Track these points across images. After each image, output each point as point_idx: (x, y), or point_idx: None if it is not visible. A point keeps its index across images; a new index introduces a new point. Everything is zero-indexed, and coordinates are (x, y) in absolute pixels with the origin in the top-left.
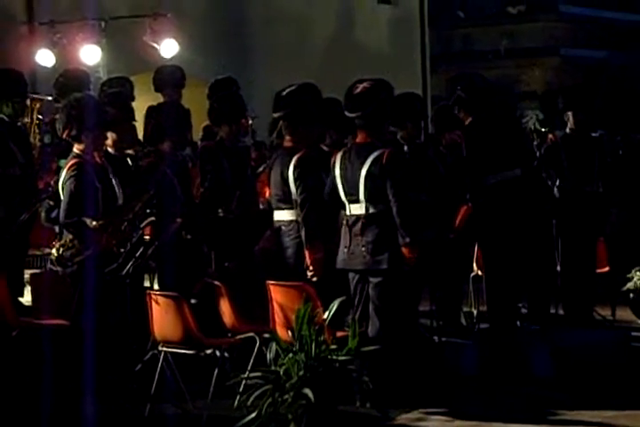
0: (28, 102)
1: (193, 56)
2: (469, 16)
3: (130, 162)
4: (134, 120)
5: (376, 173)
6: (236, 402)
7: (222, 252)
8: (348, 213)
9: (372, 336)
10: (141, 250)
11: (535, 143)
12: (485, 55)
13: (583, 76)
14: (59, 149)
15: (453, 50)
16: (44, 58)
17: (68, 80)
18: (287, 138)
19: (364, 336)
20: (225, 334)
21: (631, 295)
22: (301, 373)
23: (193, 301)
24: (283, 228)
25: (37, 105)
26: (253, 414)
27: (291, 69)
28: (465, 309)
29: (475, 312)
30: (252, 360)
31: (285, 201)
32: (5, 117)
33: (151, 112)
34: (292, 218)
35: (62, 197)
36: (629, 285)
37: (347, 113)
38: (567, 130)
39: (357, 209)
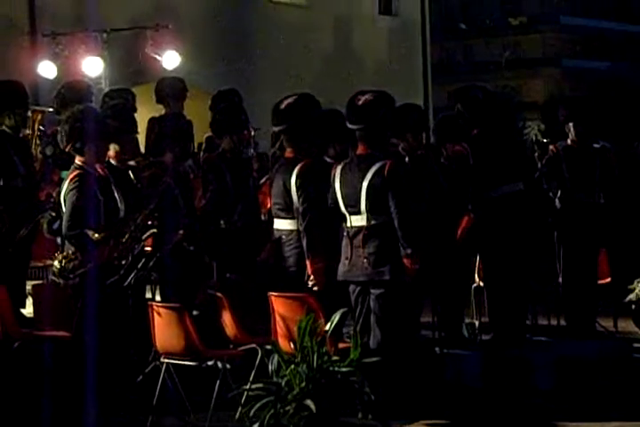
0: (30, 114)
1: (194, 67)
2: (471, 27)
3: (132, 173)
4: (137, 132)
5: (378, 184)
6: (238, 414)
7: (224, 263)
8: (348, 224)
9: (373, 348)
10: (143, 261)
11: (536, 154)
12: (487, 66)
13: (584, 86)
14: (60, 160)
15: (455, 61)
16: (46, 69)
17: (70, 92)
18: (289, 150)
19: (366, 348)
20: (227, 346)
21: (633, 306)
22: (303, 384)
23: (195, 312)
24: (283, 237)
25: (39, 117)
26: (255, 426)
27: (292, 80)
28: (467, 320)
29: (476, 323)
30: (253, 372)
31: (286, 210)
32: (7, 129)
33: (153, 123)
34: (293, 228)
35: (64, 209)
36: (631, 296)
37: (349, 125)
38: (568, 141)
39: (358, 221)
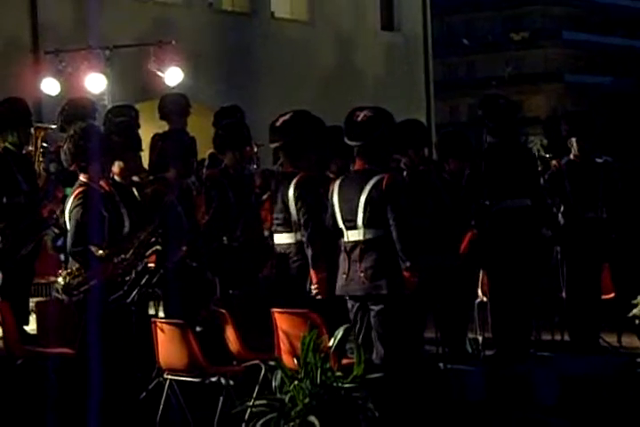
0: (33, 131)
1: (197, 84)
2: (473, 43)
3: (135, 190)
4: (141, 149)
5: (376, 197)
6: None
7: (227, 279)
8: (345, 239)
9: (376, 364)
10: (146, 278)
11: (539, 169)
12: (489, 82)
13: (587, 101)
14: (64, 177)
15: (457, 76)
16: (50, 86)
17: (74, 109)
18: (286, 165)
19: (369, 363)
20: (230, 362)
21: (637, 322)
22: (307, 400)
23: (198, 328)
24: (282, 251)
25: (42, 133)
26: None
27: (294, 96)
28: (470, 335)
29: (480, 339)
30: (257, 388)
31: (284, 225)
32: (10, 146)
33: (156, 140)
34: (291, 241)
35: (69, 226)
36: (635, 311)
37: (347, 141)
38: (571, 156)
39: (355, 235)
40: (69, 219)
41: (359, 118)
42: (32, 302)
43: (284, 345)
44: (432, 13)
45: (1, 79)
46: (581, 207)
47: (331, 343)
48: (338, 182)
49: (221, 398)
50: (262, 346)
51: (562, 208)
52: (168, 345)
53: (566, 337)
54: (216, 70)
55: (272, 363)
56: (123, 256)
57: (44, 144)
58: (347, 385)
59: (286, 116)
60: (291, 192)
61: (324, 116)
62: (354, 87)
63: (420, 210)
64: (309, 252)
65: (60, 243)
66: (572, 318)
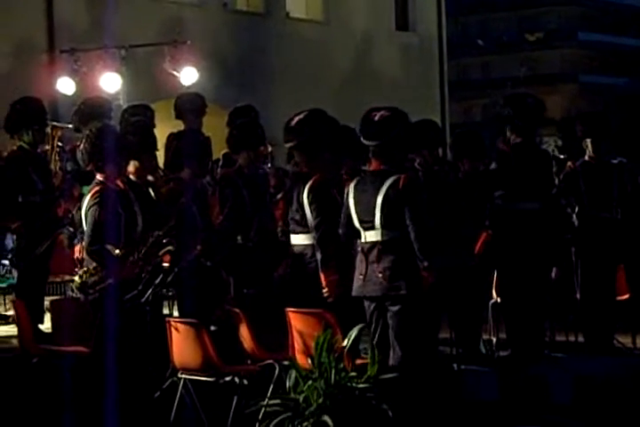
0: (49, 130)
1: (212, 83)
2: (488, 44)
3: (150, 189)
4: (157, 149)
5: (393, 198)
6: None
7: (241, 279)
8: (362, 240)
9: (393, 364)
10: (161, 277)
11: (554, 170)
12: (504, 82)
13: (601, 102)
14: (80, 176)
15: (472, 77)
16: (65, 86)
17: (89, 108)
18: (302, 165)
19: (383, 364)
20: (244, 361)
21: None
22: (321, 400)
23: (212, 328)
24: (298, 252)
25: (58, 133)
26: None
27: (309, 96)
28: (484, 336)
29: (494, 340)
30: (271, 387)
31: (301, 225)
32: (25, 145)
33: (172, 139)
34: (308, 242)
35: (85, 225)
36: None
37: (364, 141)
38: (586, 157)
39: (373, 236)
40: (86, 218)
41: (376, 118)
42: (47, 300)
43: (298, 345)
44: (447, 14)
45: (17, 79)
46: (596, 208)
47: (345, 343)
48: (353, 183)
49: (235, 397)
50: (276, 346)
51: (576, 209)
52: (182, 345)
53: (581, 338)
54: (230, 70)
55: (286, 363)
56: (137, 255)
57: (60, 143)
58: (361, 385)
59: (301, 116)
60: (305, 194)
61: (339, 116)
62: (368, 87)
63: (434, 210)
64: (319, 255)
65: (76, 241)
66: (586, 318)
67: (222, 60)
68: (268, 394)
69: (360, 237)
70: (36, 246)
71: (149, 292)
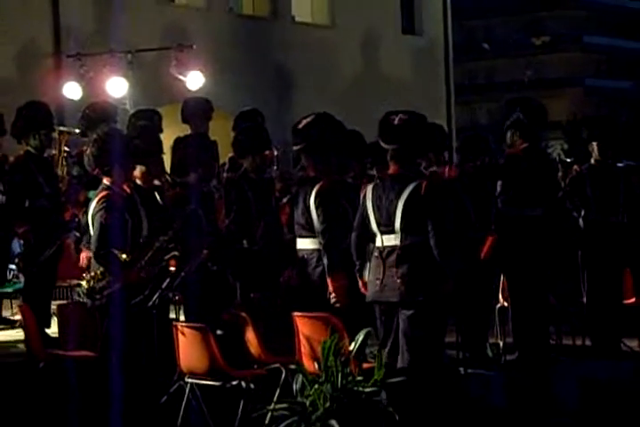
0: (56, 135)
1: (218, 88)
2: (494, 47)
3: (157, 193)
4: (163, 153)
5: (415, 203)
6: None
7: (248, 283)
8: (379, 244)
9: (402, 368)
10: (167, 281)
11: (559, 174)
12: (510, 86)
13: (607, 106)
14: (87, 180)
15: (478, 80)
16: (71, 90)
17: (95, 113)
18: (309, 169)
19: (390, 368)
20: (251, 366)
21: None
22: (327, 404)
23: (219, 332)
24: (305, 256)
25: (66, 137)
26: None
27: (315, 100)
28: (491, 340)
29: (501, 344)
30: (278, 392)
31: (307, 229)
32: (32, 150)
33: (178, 144)
34: (314, 247)
35: (92, 229)
36: None
37: (383, 144)
38: (592, 160)
39: (392, 240)
40: (92, 222)
41: (395, 122)
42: (54, 305)
43: (304, 349)
44: (453, 18)
45: (23, 83)
46: (602, 212)
47: (351, 347)
48: (371, 187)
49: (242, 401)
50: (283, 350)
51: (582, 213)
52: (189, 349)
53: (587, 342)
54: (237, 74)
55: (293, 367)
56: (144, 260)
57: (66, 148)
58: (367, 389)
59: (309, 119)
60: (312, 199)
61: (345, 120)
62: (374, 91)
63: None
64: (325, 260)
65: (82, 246)
66: (593, 322)
67: (228, 65)
68: (275, 398)
69: (375, 242)
70: (43, 251)
71: (156, 296)
